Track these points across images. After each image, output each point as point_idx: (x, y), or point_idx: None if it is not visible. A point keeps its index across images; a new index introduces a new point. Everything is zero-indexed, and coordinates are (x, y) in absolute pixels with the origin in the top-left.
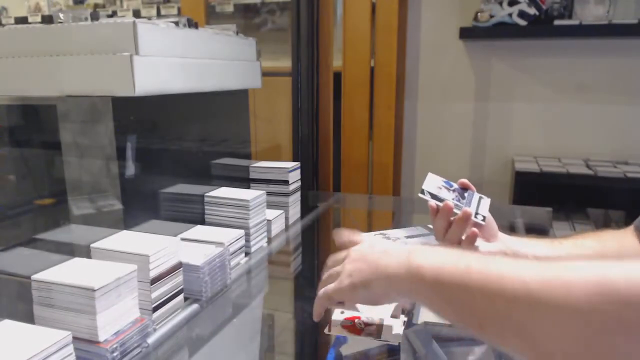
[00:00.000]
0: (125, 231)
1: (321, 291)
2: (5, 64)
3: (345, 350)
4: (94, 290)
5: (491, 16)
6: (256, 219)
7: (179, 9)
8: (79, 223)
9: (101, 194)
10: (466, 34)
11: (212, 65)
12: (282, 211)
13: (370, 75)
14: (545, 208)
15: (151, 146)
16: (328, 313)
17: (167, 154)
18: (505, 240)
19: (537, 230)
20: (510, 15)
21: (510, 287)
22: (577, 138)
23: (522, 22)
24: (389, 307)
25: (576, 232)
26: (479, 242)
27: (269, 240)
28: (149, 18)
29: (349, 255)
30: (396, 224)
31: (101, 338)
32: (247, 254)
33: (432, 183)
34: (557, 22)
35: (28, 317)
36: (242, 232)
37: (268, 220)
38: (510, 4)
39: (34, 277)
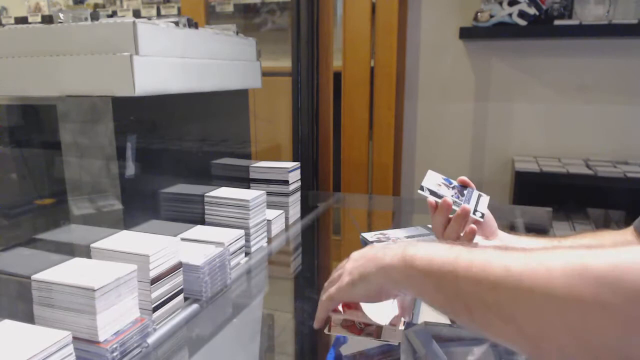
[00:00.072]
0: (125, 231)
1: (324, 295)
2: (5, 64)
3: (345, 350)
4: (94, 290)
5: (491, 16)
6: (256, 219)
7: (179, 9)
8: (79, 223)
9: (101, 194)
10: (466, 33)
11: (212, 65)
12: (282, 211)
13: (370, 75)
14: (545, 208)
15: (151, 146)
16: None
17: (167, 154)
18: (504, 238)
19: (537, 230)
20: (510, 15)
21: (494, 273)
22: (577, 138)
23: (522, 22)
24: (389, 314)
25: (576, 232)
26: (478, 239)
27: (269, 240)
28: (149, 18)
29: (350, 258)
30: (396, 224)
31: (101, 338)
32: (247, 254)
33: (432, 180)
34: (557, 22)
35: (28, 317)
36: (242, 232)
37: (268, 220)
38: (510, 4)
39: (34, 277)
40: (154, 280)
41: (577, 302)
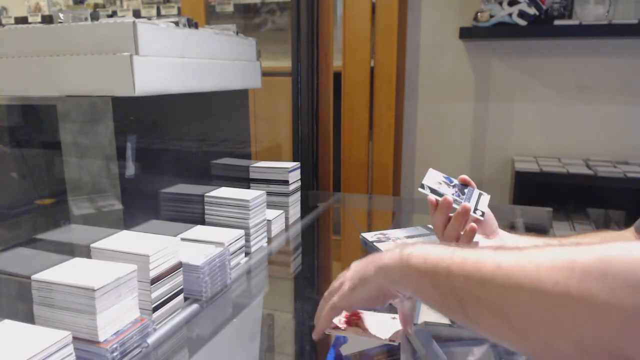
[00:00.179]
0: (125, 231)
1: (327, 306)
2: (5, 64)
3: (345, 350)
4: (94, 290)
5: (491, 16)
6: (256, 219)
7: (179, 9)
8: (79, 223)
9: (101, 194)
10: (466, 33)
11: (212, 65)
12: (282, 211)
13: (370, 75)
14: (545, 208)
15: (151, 146)
16: None
17: (167, 154)
18: (505, 237)
19: (537, 230)
20: (510, 15)
21: (486, 269)
22: (577, 138)
23: (522, 22)
24: (389, 329)
25: (576, 232)
26: (479, 238)
27: (269, 240)
28: (149, 18)
29: (350, 267)
30: (396, 224)
31: (101, 338)
32: (247, 254)
33: (433, 178)
34: (557, 22)
35: (28, 317)
36: (242, 232)
37: (268, 220)
38: (510, 4)
39: (34, 277)
40: (154, 280)
41: (564, 296)
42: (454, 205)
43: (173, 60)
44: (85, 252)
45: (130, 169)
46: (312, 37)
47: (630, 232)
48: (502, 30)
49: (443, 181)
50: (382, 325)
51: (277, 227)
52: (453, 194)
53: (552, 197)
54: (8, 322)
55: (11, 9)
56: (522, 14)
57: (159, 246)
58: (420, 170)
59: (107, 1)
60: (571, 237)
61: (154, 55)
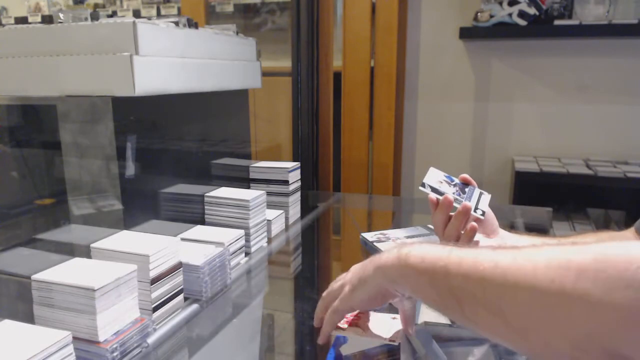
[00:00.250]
0: (125, 231)
1: (329, 310)
2: (5, 64)
3: (345, 350)
4: (94, 290)
5: (491, 16)
6: (256, 219)
7: (179, 9)
8: (79, 223)
9: (101, 194)
10: (466, 33)
11: (212, 65)
12: (282, 211)
13: (370, 75)
14: (545, 208)
15: (151, 146)
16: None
17: (167, 154)
18: (505, 237)
19: (537, 230)
20: (510, 15)
21: (483, 267)
22: (577, 138)
23: (522, 22)
24: (390, 330)
25: (576, 232)
26: (479, 237)
27: (269, 240)
28: (149, 18)
29: (350, 270)
30: (396, 224)
31: (101, 338)
32: (247, 254)
33: (433, 177)
34: (557, 22)
35: (28, 317)
36: (242, 232)
37: (268, 220)
38: (510, 4)
39: (34, 277)
40: (154, 280)
41: (560, 294)
42: (455, 205)
43: (173, 60)
44: (85, 252)
45: (130, 169)
46: (312, 37)
47: (630, 232)
48: (502, 30)
49: (444, 180)
50: (382, 325)
51: (277, 227)
52: (454, 193)
53: (552, 197)
54: (8, 322)
55: (11, 9)
56: (522, 14)
57: (159, 246)
58: (420, 170)
59: (107, 1)
60: (571, 237)
61: (154, 55)
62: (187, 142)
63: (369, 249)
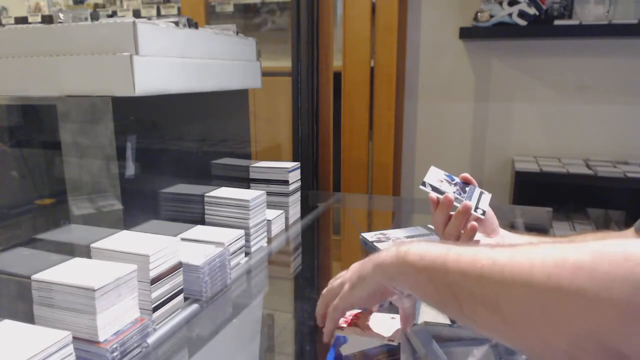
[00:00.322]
0: (125, 231)
1: (330, 308)
2: (5, 64)
3: (345, 350)
4: (94, 290)
5: (491, 16)
6: (256, 219)
7: (179, 9)
8: (79, 223)
9: (101, 194)
10: (466, 33)
11: (212, 65)
12: (282, 211)
13: (370, 75)
14: (545, 208)
15: (151, 146)
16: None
17: (167, 154)
18: (506, 236)
19: (537, 230)
20: (510, 15)
21: (481, 264)
22: (577, 138)
23: (522, 22)
24: (390, 329)
25: (576, 232)
26: (479, 236)
27: (269, 240)
28: (149, 18)
29: (349, 268)
30: (396, 224)
31: (101, 338)
32: (247, 254)
33: (434, 176)
34: (557, 22)
35: (28, 317)
36: (242, 232)
37: (268, 220)
38: (510, 4)
39: (34, 277)
40: (154, 280)
41: (556, 291)
42: (455, 204)
43: (173, 60)
44: (85, 252)
45: (130, 169)
46: (312, 37)
47: (630, 232)
48: (502, 30)
49: (444, 179)
50: (382, 325)
51: (277, 227)
52: (454, 192)
53: (552, 197)
54: (8, 322)
55: (11, 9)
56: (522, 14)
57: (159, 246)
58: (420, 170)
59: (107, 1)
60: (570, 237)
61: (154, 55)
62: (187, 142)
63: (369, 249)
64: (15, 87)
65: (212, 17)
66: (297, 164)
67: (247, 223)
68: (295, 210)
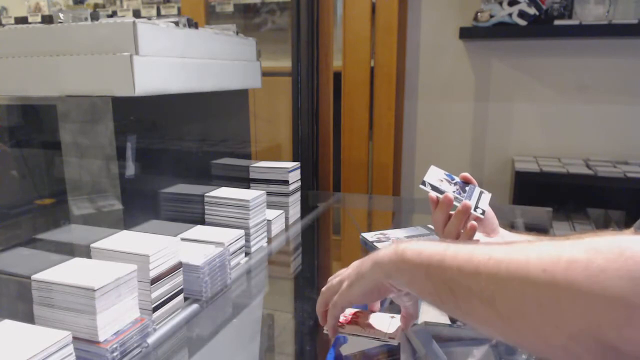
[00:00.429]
0: (125, 231)
1: (330, 306)
2: (5, 64)
3: (345, 350)
4: (94, 290)
5: (491, 16)
6: (256, 219)
7: (179, 9)
8: (79, 223)
9: (101, 194)
10: (466, 33)
11: (212, 65)
12: (282, 211)
13: (370, 75)
14: (545, 208)
15: (151, 146)
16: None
17: (167, 154)
18: (505, 236)
19: (537, 230)
20: (510, 15)
21: (477, 259)
22: (577, 138)
23: (522, 22)
24: (389, 328)
25: (576, 232)
26: (479, 236)
27: (269, 240)
28: (149, 18)
29: (349, 266)
30: (396, 224)
31: (101, 338)
32: (247, 254)
33: (434, 175)
34: (557, 22)
35: (28, 317)
36: (242, 232)
37: (268, 220)
38: (510, 4)
39: (34, 277)
40: (154, 280)
41: (551, 284)
42: (455, 203)
43: (173, 60)
44: (85, 252)
45: (130, 169)
46: (312, 37)
47: (629, 232)
48: (502, 30)
49: (444, 178)
50: (382, 325)
51: (277, 227)
52: (454, 192)
53: (552, 197)
54: (8, 322)
55: (11, 9)
56: (522, 14)
57: (159, 246)
58: (420, 170)
59: (107, 1)
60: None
61: (154, 55)
62: (187, 142)
63: (369, 249)
64: (15, 87)
65: (212, 17)
66: (297, 164)
67: (247, 223)
68: (295, 210)
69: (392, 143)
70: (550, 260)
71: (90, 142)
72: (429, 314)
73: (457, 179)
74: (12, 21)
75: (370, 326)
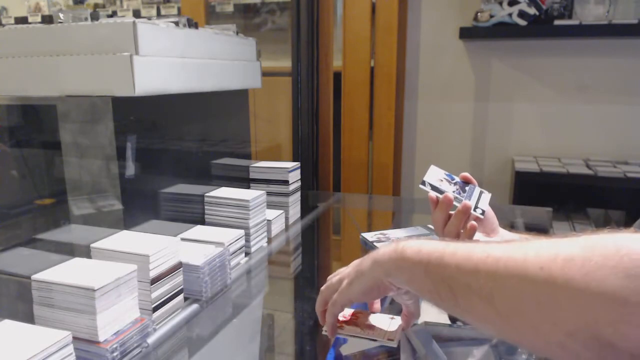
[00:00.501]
0: (125, 231)
1: (329, 304)
2: (5, 64)
3: (345, 350)
4: (94, 290)
5: (491, 16)
6: (256, 219)
7: (179, 9)
8: (79, 223)
9: (101, 194)
10: (466, 33)
11: (212, 65)
12: (282, 211)
13: (370, 75)
14: (545, 208)
15: (151, 146)
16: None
17: (167, 154)
18: (505, 236)
19: (537, 230)
20: (510, 15)
21: (476, 257)
22: (577, 138)
23: (522, 22)
24: (388, 329)
25: (576, 232)
26: (479, 236)
27: (269, 240)
28: (149, 18)
29: (350, 265)
30: (396, 224)
31: (101, 338)
32: (247, 254)
33: (434, 175)
34: (557, 22)
35: (28, 317)
36: (242, 232)
37: (268, 220)
38: (510, 4)
39: (34, 277)
40: (154, 280)
41: (548, 282)
42: (455, 203)
43: (173, 60)
44: (85, 252)
45: (130, 169)
46: (312, 37)
47: (629, 232)
48: (502, 30)
49: (444, 178)
50: (381, 326)
51: (277, 227)
52: (454, 192)
53: (552, 197)
54: (8, 322)
55: (11, 9)
56: (522, 14)
57: (159, 246)
58: (420, 170)
59: (107, 1)
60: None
61: (154, 55)
62: (187, 142)
63: (369, 249)
64: (15, 87)
65: (212, 17)
66: (297, 164)
67: (247, 223)
68: (295, 210)
69: (392, 143)
70: (547, 257)
71: (90, 142)
72: (429, 314)
73: (457, 179)
74: (12, 21)
75: (369, 327)
